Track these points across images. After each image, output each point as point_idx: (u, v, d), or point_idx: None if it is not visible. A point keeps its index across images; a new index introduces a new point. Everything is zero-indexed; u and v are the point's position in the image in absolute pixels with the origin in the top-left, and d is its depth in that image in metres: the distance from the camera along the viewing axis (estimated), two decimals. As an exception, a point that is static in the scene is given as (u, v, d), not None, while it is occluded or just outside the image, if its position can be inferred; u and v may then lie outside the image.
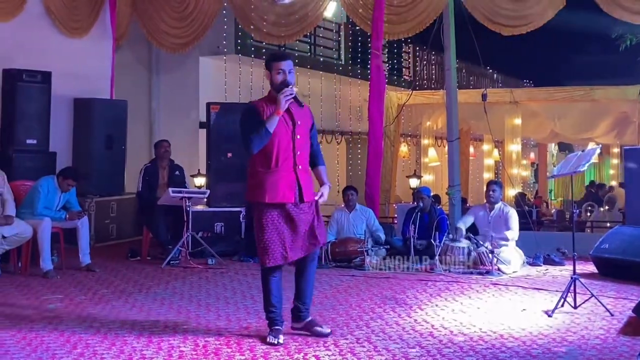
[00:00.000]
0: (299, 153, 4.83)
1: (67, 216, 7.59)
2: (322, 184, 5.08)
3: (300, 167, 4.84)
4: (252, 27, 10.15)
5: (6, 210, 7.29)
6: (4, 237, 7.13)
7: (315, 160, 5.06)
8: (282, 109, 4.72)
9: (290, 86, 4.78)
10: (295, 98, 4.79)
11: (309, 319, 5.00)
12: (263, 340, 4.74)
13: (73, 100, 9.82)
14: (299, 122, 4.84)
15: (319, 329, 4.94)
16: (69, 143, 9.74)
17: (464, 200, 11.43)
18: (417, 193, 8.96)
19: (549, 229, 11.89)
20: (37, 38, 9.34)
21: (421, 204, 8.51)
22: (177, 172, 8.85)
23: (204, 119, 10.16)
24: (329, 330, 4.95)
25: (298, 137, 4.82)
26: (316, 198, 4.92)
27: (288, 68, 4.87)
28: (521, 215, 8.47)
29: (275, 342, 4.68)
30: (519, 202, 10.44)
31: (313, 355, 4.46)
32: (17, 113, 8.49)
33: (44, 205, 7.46)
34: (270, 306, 4.87)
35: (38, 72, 8.67)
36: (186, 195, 8.16)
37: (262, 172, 4.79)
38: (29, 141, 8.61)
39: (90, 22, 10.10)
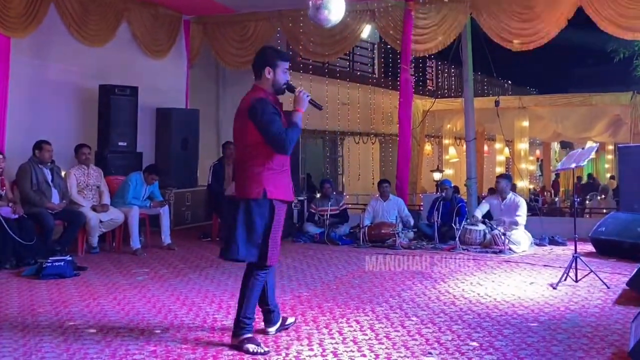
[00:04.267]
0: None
1: (152, 205, 7.71)
2: None
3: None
4: (300, 47, 10.16)
5: (103, 200, 7.45)
6: (101, 221, 7.27)
7: None
8: (304, 108, 3.86)
9: (300, 88, 3.91)
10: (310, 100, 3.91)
11: (282, 316, 4.19)
12: (239, 349, 3.75)
13: (155, 110, 9.90)
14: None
15: (290, 319, 4.23)
16: (152, 145, 9.84)
17: (493, 191, 11.27)
18: (441, 185, 8.88)
19: (553, 214, 11.66)
20: (126, 59, 9.47)
21: (444, 194, 8.44)
22: (240, 168, 8.89)
23: (261, 124, 10.20)
24: (294, 319, 4.28)
25: None
26: None
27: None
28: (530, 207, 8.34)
29: (262, 350, 3.73)
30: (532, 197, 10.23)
31: (354, 320, 4.47)
32: (111, 121, 8.60)
33: (132, 195, 7.58)
34: (252, 313, 3.88)
35: (127, 87, 8.78)
36: (248, 187, 8.19)
37: (275, 171, 3.84)
38: (120, 144, 8.71)
39: (169, 46, 10.21)
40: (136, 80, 9.13)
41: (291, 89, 3.92)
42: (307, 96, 3.89)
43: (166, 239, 7.67)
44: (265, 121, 3.73)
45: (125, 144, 8.76)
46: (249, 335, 3.83)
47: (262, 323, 4.15)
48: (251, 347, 3.74)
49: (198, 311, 4.72)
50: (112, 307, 4.82)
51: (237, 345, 3.80)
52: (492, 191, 11.01)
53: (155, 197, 7.84)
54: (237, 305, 3.93)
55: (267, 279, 4.00)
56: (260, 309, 4.10)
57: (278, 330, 4.12)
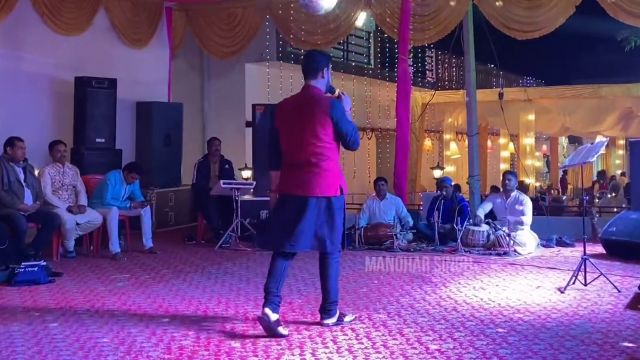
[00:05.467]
0: None
1: (132, 205, 7.68)
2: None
3: None
4: (291, 36, 10.15)
5: (79, 200, 7.42)
6: (78, 224, 7.24)
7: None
8: (349, 107, 4.48)
9: (338, 89, 4.54)
10: None
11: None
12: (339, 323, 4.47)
13: (135, 104, 9.88)
14: None
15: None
16: (132, 141, 9.83)
17: (496, 189, 11.29)
18: (441, 182, 8.88)
19: (561, 213, 11.68)
20: (103, 49, 9.45)
21: (444, 192, 8.45)
22: (226, 166, 8.90)
23: (250, 119, 10.22)
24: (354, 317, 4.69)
25: None
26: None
27: None
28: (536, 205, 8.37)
29: (354, 316, 4.65)
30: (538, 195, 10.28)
31: (349, 328, 4.47)
32: (88, 115, 8.58)
33: (111, 196, 7.56)
34: (337, 296, 4.56)
35: (105, 79, 8.76)
36: (235, 186, 8.20)
37: (339, 167, 4.44)
38: (98, 140, 8.69)
39: (150, 35, 10.18)
40: (115, 71, 9.11)
41: (332, 90, 4.47)
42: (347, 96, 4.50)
43: (148, 242, 7.65)
44: (345, 118, 4.33)
45: (103, 140, 8.74)
46: (339, 312, 4.51)
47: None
48: (347, 317, 4.54)
49: (182, 319, 4.72)
50: (90, 316, 4.81)
51: (337, 323, 4.46)
52: (494, 189, 11.05)
53: (135, 197, 7.82)
54: (322, 292, 4.51)
55: (285, 271, 4.42)
56: (267, 294, 4.34)
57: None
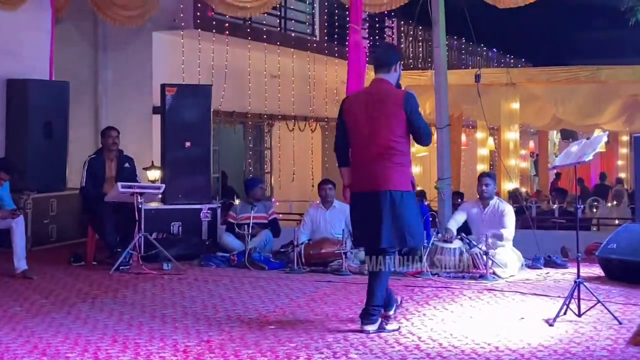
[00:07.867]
0: None
1: None
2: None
3: None
4: (213, -3, 10.10)
5: None
6: None
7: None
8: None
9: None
10: None
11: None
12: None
13: (5, 82, 9.75)
14: None
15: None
16: (0, 131, 9.63)
17: (460, 195, 11.43)
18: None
19: (550, 226, 11.97)
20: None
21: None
22: (127, 165, 8.79)
23: (158, 103, 10.12)
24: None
25: None
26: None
27: None
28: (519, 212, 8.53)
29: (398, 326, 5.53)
30: (517, 198, 10.50)
31: (284, 372, 4.47)
32: (-60, 97, 8.39)
33: (-28, 202, 7.41)
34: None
35: (-38, 49, 8.57)
36: (138, 190, 8.10)
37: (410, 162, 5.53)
38: (-47, 129, 8.53)
39: (25, -9, 9.99)
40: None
41: (399, 86, 5.52)
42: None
43: (20, 263, 7.54)
44: (419, 113, 5.40)
45: (-39, 129, 8.56)
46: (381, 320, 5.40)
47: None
48: (390, 326, 5.42)
49: (65, 364, 4.63)
50: (-60, 361, 4.67)
51: (378, 331, 5.32)
52: (457, 196, 11.20)
53: (4, 204, 7.69)
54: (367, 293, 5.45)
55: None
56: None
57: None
